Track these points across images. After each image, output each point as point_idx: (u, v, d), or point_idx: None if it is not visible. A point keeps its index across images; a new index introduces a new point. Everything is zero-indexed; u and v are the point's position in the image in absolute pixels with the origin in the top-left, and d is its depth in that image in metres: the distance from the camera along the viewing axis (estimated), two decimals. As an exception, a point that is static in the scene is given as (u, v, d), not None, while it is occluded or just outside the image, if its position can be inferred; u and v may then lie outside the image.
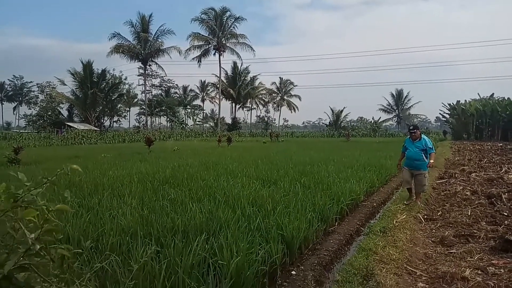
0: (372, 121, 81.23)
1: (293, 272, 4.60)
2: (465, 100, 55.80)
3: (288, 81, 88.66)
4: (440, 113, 61.57)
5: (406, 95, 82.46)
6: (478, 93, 56.93)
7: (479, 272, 4.06)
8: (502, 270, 4.09)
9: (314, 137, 68.40)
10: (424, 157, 7.43)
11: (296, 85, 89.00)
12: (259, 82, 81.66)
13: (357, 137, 59.83)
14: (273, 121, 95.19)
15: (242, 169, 10.98)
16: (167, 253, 3.73)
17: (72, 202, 5.87)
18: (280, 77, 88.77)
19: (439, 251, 4.86)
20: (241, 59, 63.00)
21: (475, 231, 5.54)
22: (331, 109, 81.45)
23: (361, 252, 4.67)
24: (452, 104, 56.74)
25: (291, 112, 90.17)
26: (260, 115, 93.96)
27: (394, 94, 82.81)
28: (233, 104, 74.82)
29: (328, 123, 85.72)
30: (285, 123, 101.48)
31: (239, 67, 70.87)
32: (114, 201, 6.23)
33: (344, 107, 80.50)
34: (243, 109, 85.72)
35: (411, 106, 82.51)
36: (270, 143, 35.16)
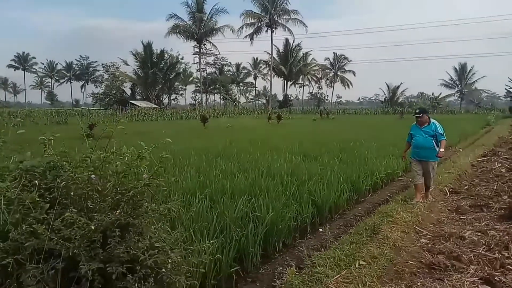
0: (432, 97, 77.52)
1: (320, 230, 5.61)
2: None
3: (342, 56, 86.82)
4: (506, 89, 57.26)
5: (470, 69, 77.13)
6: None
7: (479, 234, 4.75)
8: (501, 233, 4.75)
9: (367, 114, 67.05)
10: (435, 145, 6.44)
11: (350, 60, 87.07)
12: (312, 58, 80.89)
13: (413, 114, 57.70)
14: (326, 98, 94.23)
15: (287, 145, 11.96)
16: (218, 207, 4.89)
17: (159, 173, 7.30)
18: (334, 52, 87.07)
19: (451, 217, 5.56)
20: (293, 36, 62.86)
21: (491, 202, 6.10)
22: (387, 85, 78.92)
23: (377, 215, 5.53)
24: (519, 79, 52.58)
25: (345, 88, 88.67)
26: (312, 92, 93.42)
27: (457, 68, 77.77)
28: (285, 81, 75.10)
29: (383, 100, 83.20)
30: (339, 100, 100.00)
31: (291, 44, 70.67)
32: (176, 170, 7.55)
33: (401, 83, 77.31)
34: (295, 86, 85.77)
35: (476, 80, 77.16)
36: (319, 121, 35.58)
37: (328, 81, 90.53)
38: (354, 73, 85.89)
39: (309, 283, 3.46)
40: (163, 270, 2.20)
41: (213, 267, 3.72)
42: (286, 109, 65.17)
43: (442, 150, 6.38)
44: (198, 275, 3.43)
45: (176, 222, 4.35)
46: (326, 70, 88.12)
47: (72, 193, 2.29)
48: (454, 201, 6.48)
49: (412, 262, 3.93)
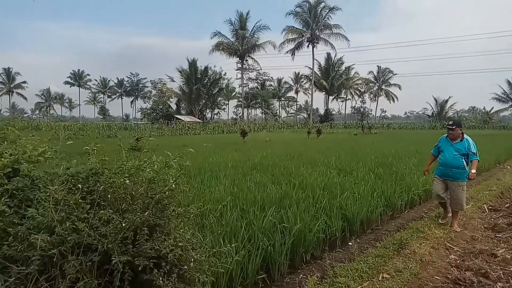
0: (483, 112, 73.54)
1: (350, 243, 5.64)
2: None
3: (387, 70, 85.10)
4: None
5: (525, 82, 72.26)
6: None
7: (514, 253, 4.58)
8: (539, 253, 4.54)
9: (413, 129, 64.80)
10: (465, 164, 5.76)
11: (396, 74, 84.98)
12: (355, 72, 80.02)
13: (462, 129, 55.05)
14: (370, 112, 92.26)
15: (323, 159, 11.98)
16: (247, 217, 5.10)
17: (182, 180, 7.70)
18: (378, 66, 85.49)
19: (486, 235, 5.38)
20: (335, 50, 62.64)
21: (534, 222, 5.81)
22: (435, 99, 76.12)
23: (408, 230, 5.47)
24: None
25: (390, 102, 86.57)
26: (355, 106, 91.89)
27: (511, 81, 73.25)
28: (327, 95, 74.69)
29: (431, 114, 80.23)
30: (383, 114, 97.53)
31: (333, 58, 70.47)
32: (212, 181, 7.88)
33: (449, 97, 74.18)
34: (337, 100, 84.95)
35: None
36: (361, 135, 34.94)
37: (372, 95, 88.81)
38: (399, 87, 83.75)
39: (329, 292, 3.56)
40: (185, 267, 2.44)
41: (239, 273, 3.93)
42: (327, 124, 64.60)
43: (474, 171, 5.65)
44: (225, 278, 3.66)
45: (206, 229, 4.62)
46: (370, 84, 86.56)
47: (109, 196, 2.61)
48: (492, 219, 6.23)
49: (437, 277, 3.89)
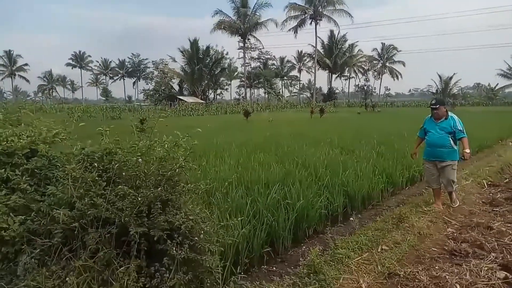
0: (488, 88, 72.92)
1: (351, 219, 5.85)
2: None
3: (391, 46, 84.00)
4: None
5: (532, 58, 71.19)
6: None
7: (509, 225, 4.76)
8: (533, 226, 4.73)
9: (416, 106, 64.51)
10: (452, 143, 5.51)
11: (400, 50, 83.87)
12: (358, 50, 79.00)
13: (466, 106, 54.79)
14: (373, 90, 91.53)
15: (326, 138, 12.11)
16: (252, 194, 5.30)
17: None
18: (382, 43, 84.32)
19: (483, 209, 5.56)
20: (338, 27, 61.76)
21: (531, 196, 5.98)
22: (439, 75, 75.10)
23: (407, 205, 5.66)
24: None
25: (394, 80, 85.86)
26: (358, 84, 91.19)
27: (517, 55, 72.17)
28: (330, 74, 74.06)
29: (435, 91, 79.54)
30: (387, 92, 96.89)
31: (336, 35, 69.53)
32: (217, 161, 8.07)
33: (453, 73, 73.21)
34: (340, 78, 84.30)
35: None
36: (364, 114, 34.93)
37: (375, 73, 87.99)
38: (404, 64, 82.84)
39: (331, 263, 3.77)
40: (196, 238, 2.64)
41: (245, 246, 4.14)
42: (331, 103, 64.34)
43: (468, 150, 5.36)
44: (232, 250, 3.87)
45: (213, 205, 4.83)
46: (374, 62, 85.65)
47: (124, 174, 2.79)
48: (491, 194, 6.41)
49: (434, 249, 4.10)
